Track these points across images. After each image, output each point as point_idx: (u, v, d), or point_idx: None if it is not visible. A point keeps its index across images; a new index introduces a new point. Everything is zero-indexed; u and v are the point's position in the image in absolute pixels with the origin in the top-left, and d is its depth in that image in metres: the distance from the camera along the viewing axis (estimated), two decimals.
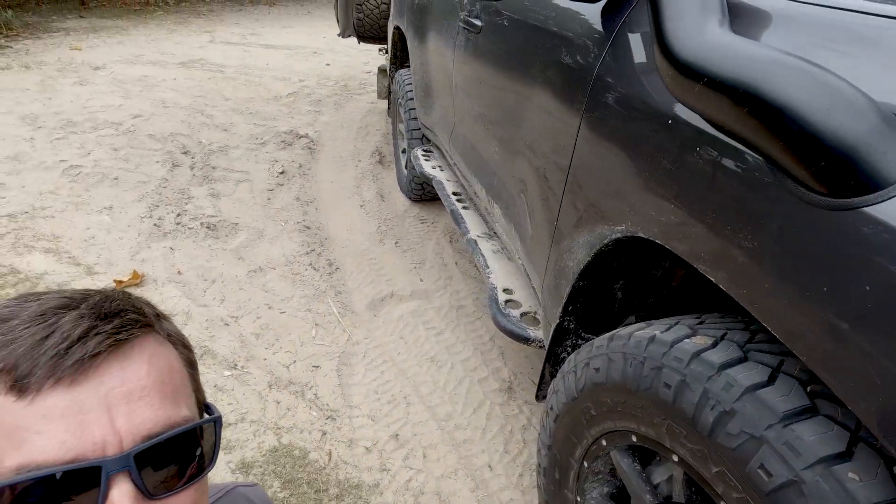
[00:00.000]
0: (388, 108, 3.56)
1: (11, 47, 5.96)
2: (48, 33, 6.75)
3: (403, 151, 3.26)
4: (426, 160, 2.45)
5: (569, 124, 1.05)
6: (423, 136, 2.69)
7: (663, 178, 0.78)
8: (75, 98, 4.52)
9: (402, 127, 3.23)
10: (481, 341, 2.01)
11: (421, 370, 1.85)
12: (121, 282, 2.22)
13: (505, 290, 1.54)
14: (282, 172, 3.39)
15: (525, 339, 1.38)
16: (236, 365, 1.84)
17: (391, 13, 3.28)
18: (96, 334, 0.39)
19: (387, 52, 4.37)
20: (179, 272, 2.36)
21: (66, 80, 4.98)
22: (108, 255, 2.47)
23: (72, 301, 0.42)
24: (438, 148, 2.56)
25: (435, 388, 1.77)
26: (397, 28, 3.07)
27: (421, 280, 2.35)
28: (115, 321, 0.41)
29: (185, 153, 3.63)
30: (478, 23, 1.61)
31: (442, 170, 2.36)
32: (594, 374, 0.89)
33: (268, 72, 5.71)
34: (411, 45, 2.57)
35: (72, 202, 2.90)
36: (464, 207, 2.02)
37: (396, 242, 2.64)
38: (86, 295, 0.43)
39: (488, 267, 1.64)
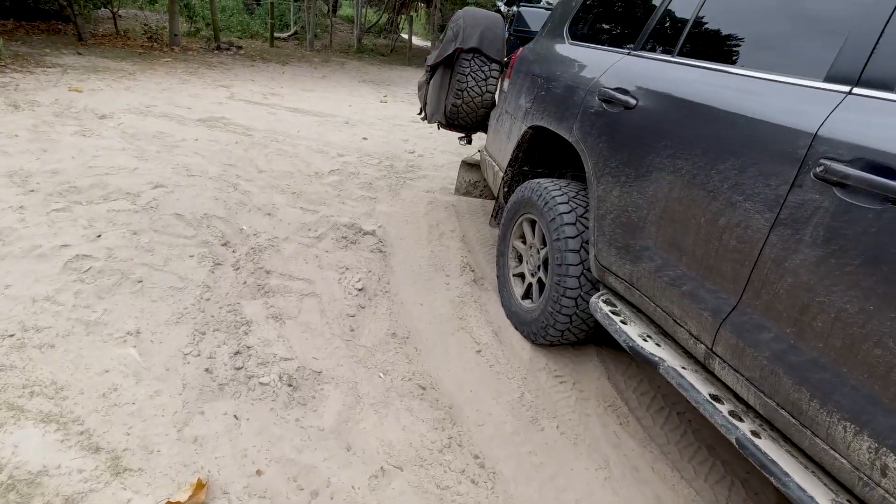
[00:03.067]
0: (494, 215, 2.92)
1: None
2: (41, 68, 5.92)
3: (519, 276, 2.58)
4: (623, 323, 1.76)
5: None
6: (583, 273, 2.03)
7: None
8: (77, 153, 3.67)
9: (519, 245, 2.57)
10: None
11: None
12: None
13: None
14: (360, 289, 2.62)
15: None
16: None
17: (519, 107, 2.70)
18: None
19: (469, 142, 3.81)
20: (259, 472, 1.52)
21: (64, 127, 4.14)
22: (143, 427, 1.60)
23: None
24: (624, 300, 1.89)
25: None
26: (535, 128, 2.48)
27: None
28: None
29: (224, 245, 2.83)
30: None
31: (659, 345, 1.67)
32: None
33: (301, 140, 5.04)
34: (596, 162, 1.96)
35: (80, 320, 2.03)
36: (753, 433, 1.32)
37: (558, 426, 1.89)
38: None
39: None
